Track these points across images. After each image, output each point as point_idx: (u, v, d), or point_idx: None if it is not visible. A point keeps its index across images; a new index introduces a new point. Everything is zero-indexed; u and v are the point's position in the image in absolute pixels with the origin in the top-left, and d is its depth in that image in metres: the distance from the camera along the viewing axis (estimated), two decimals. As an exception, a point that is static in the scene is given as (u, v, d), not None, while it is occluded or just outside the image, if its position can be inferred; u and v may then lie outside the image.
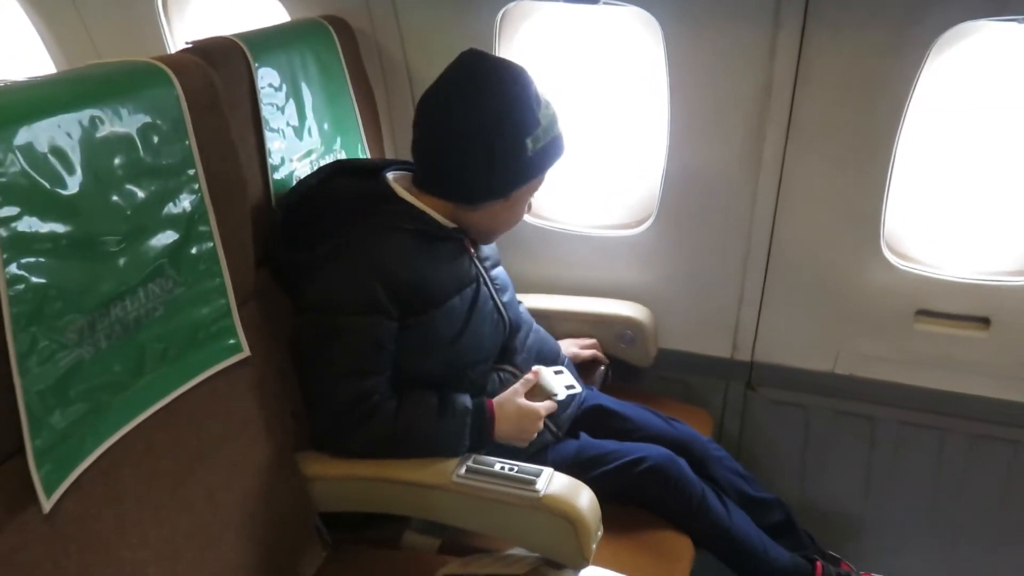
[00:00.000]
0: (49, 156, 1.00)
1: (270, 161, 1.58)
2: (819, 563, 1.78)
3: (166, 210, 1.19)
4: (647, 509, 1.69)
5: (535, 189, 1.63)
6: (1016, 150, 1.79)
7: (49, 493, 1.01)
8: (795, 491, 2.16)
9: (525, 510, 1.37)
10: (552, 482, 1.38)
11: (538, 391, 1.60)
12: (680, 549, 1.66)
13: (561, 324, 2.02)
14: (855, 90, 1.72)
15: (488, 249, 1.75)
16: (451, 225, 1.60)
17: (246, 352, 1.36)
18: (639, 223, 2.08)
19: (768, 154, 1.83)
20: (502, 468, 1.41)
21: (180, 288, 1.22)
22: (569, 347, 1.96)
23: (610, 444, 1.72)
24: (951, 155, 1.83)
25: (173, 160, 1.20)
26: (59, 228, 1.01)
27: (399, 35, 1.97)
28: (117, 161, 1.11)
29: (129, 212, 1.12)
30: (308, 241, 1.50)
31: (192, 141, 1.23)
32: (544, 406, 1.58)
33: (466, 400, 1.53)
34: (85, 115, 1.06)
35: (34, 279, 0.98)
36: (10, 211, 0.95)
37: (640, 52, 1.92)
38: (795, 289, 1.98)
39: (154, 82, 1.19)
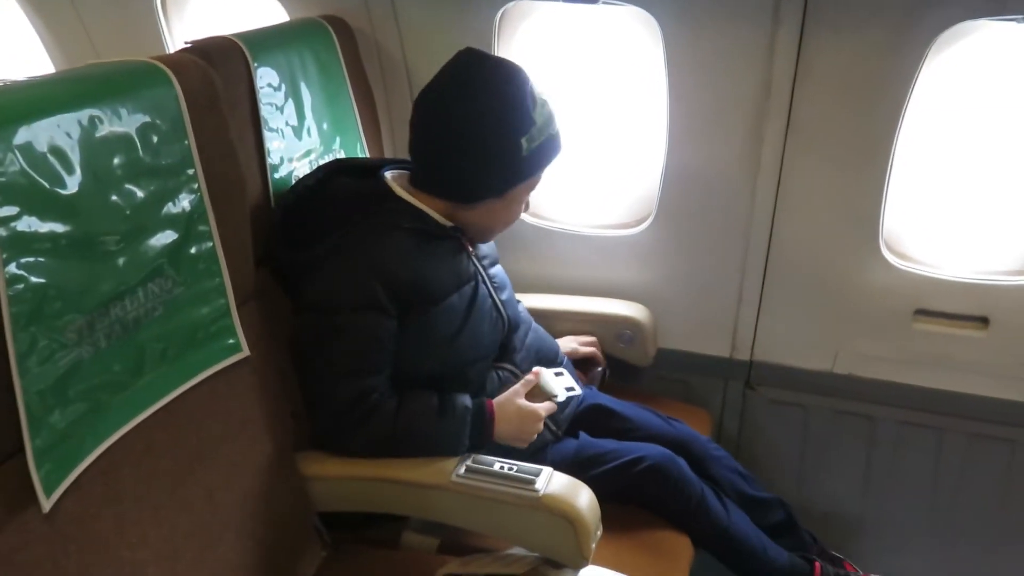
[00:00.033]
0: (48, 156, 1.00)
1: (269, 161, 1.58)
2: (817, 563, 1.78)
3: (165, 210, 1.19)
4: (646, 508, 1.69)
5: (532, 188, 1.63)
6: (1015, 150, 1.79)
7: (49, 493, 1.01)
8: (794, 490, 2.16)
9: (524, 510, 1.37)
10: (551, 482, 1.38)
11: (538, 392, 1.60)
12: (679, 549, 1.66)
13: (560, 324, 2.02)
14: (854, 89, 1.72)
15: (486, 248, 1.75)
16: (449, 224, 1.60)
17: (245, 352, 1.36)
18: (638, 223, 2.08)
19: (767, 154, 1.84)
20: (501, 468, 1.41)
21: (179, 288, 1.22)
22: (568, 343, 1.96)
23: (609, 443, 1.72)
24: (950, 155, 1.84)
25: (172, 160, 1.20)
26: (58, 228, 1.01)
27: (398, 35, 1.97)
28: (116, 161, 1.10)
29: (128, 212, 1.12)
30: (307, 241, 1.50)
31: (191, 141, 1.23)
32: (544, 407, 1.58)
33: (466, 400, 1.53)
34: (84, 115, 1.06)
35: (33, 279, 0.98)
36: (9, 211, 0.95)
37: (639, 52, 1.92)
38: (794, 288, 1.99)
39: (153, 82, 1.19)
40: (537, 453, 1.66)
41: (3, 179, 0.94)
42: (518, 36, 2.00)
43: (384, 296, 1.47)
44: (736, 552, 1.71)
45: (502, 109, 1.50)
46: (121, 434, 1.13)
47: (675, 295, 2.08)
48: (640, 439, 1.76)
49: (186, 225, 1.23)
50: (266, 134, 1.57)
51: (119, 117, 1.11)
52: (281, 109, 1.62)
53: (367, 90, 1.97)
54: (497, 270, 1.76)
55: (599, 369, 2.00)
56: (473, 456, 1.45)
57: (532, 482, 1.37)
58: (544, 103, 1.56)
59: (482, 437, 1.52)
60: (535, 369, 1.63)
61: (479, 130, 1.50)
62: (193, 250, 1.25)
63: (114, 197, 1.10)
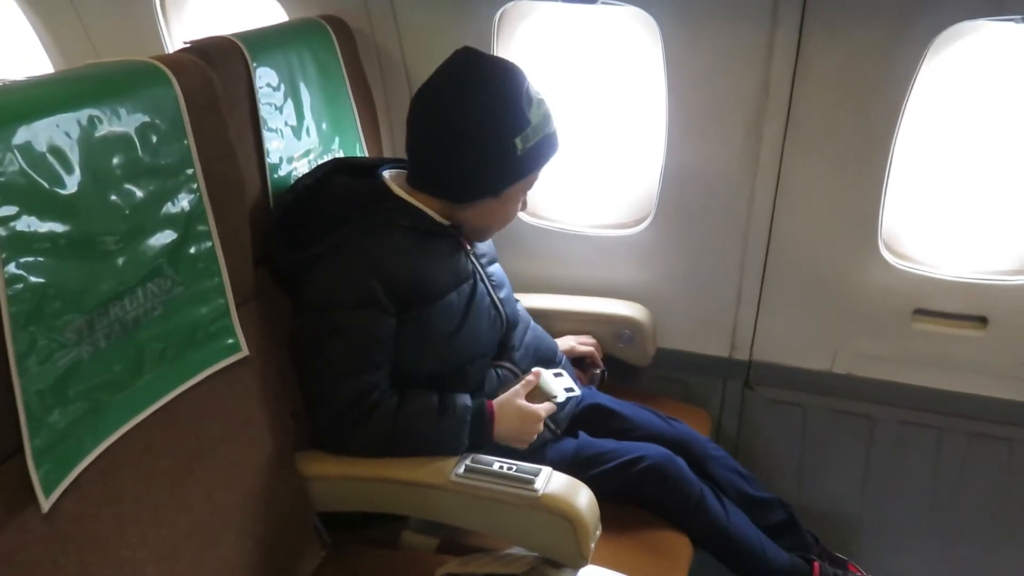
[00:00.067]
0: (48, 155, 1.00)
1: (268, 161, 1.58)
2: (816, 563, 1.78)
3: (165, 210, 1.19)
4: (645, 508, 1.69)
5: (528, 187, 1.63)
6: (1013, 150, 1.79)
7: (48, 493, 1.01)
8: (793, 490, 2.17)
9: (524, 509, 1.37)
10: (551, 481, 1.38)
11: (537, 393, 1.60)
12: (678, 548, 1.66)
13: (560, 323, 2.02)
14: (853, 89, 1.72)
15: (484, 246, 1.75)
16: (446, 222, 1.60)
17: (245, 352, 1.36)
18: (637, 223, 2.08)
19: (766, 154, 1.84)
20: (501, 467, 1.41)
21: (179, 288, 1.22)
22: (567, 342, 1.97)
23: (609, 443, 1.72)
24: (948, 155, 1.84)
25: (172, 160, 1.20)
26: (58, 227, 1.01)
27: (397, 35, 1.97)
28: (116, 161, 1.11)
29: (128, 212, 1.12)
30: (306, 240, 1.50)
31: (191, 141, 1.23)
32: (544, 408, 1.58)
33: (466, 400, 1.53)
34: (84, 115, 1.06)
35: (33, 279, 0.98)
36: (9, 210, 0.95)
37: (638, 52, 1.92)
38: (793, 288, 1.99)
39: (153, 82, 1.19)
40: (536, 452, 1.66)
41: (2, 179, 0.94)
42: (517, 36, 2.00)
43: (383, 295, 1.47)
44: (735, 552, 1.71)
45: (496, 109, 1.50)
46: (120, 434, 1.13)
47: (674, 295, 2.09)
48: (639, 439, 1.76)
49: (185, 225, 1.23)
50: (265, 134, 1.57)
51: (118, 117, 1.11)
52: (280, 109, 1.62)
53: (366, 90, 1.97)
54: (495, 268, 1.77)
55: (598, 371, 2.00)
56: (472, 456, 1.45)
57: (531, 482, 1.37)
58: (540, 102, 1.56)
59: (482, 437, 1.52)
60: (535, 370, 1.64)
61: (473, 130, 1.50)
62: (192, 250, 1.25)
63: (113, 197, 1.10)
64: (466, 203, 1.59)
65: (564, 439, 1.74)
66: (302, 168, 1.67)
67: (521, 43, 2.01)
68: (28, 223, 0.97)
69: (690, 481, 1.69)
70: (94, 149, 1.07)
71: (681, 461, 1.71)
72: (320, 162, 1.69)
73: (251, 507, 1.37)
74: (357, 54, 1.95)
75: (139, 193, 1.14)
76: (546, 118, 1.57)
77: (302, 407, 1.51)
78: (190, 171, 1.23)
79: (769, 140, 1.82)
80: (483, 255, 1.73)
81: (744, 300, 2.03)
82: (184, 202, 1.23)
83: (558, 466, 1.44)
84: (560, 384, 1.65)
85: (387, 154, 2.08)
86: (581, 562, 1.38)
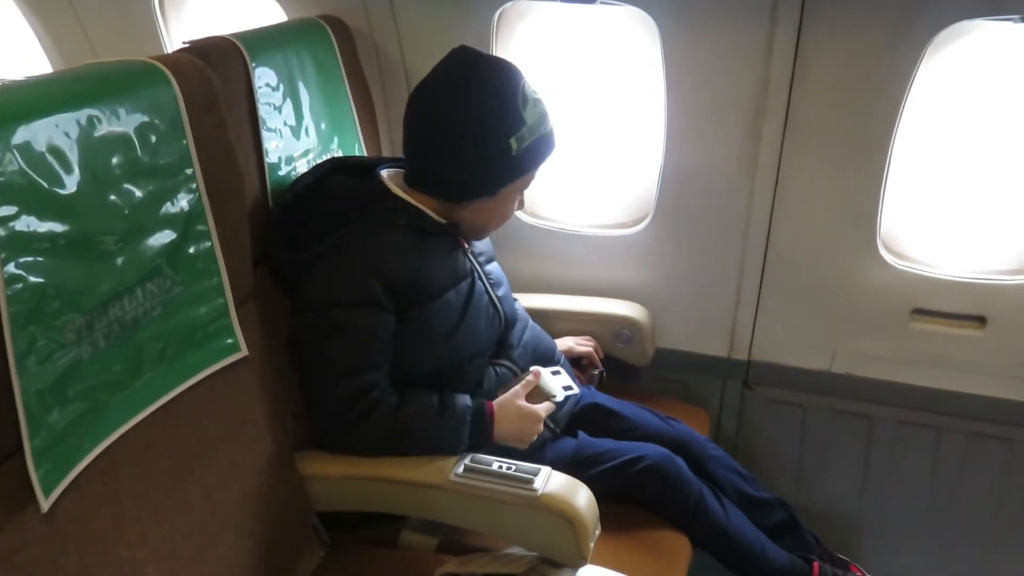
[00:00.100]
0: (47, 155, 1.00)
1: (267, 161, 1.58)
2: (816, 563, 1.78)
3: (164, 209, 1.19)
4: (645, 508, 1.69)
5: (525, 186, 1.63)
6: (1012, 149, 1.79)
7: (47, 492, 1.01)
8: (792, 490, 2.17)
9: (523, 509, 1.37)
10: (550, 481, 1.38)
11: (537, 392, 1.60)
12: (678, 548, 1.66)
13: (558, 323, 2.02)
14: (851, 89, 1.72)
15: (481, 244, 1.75)
16: (443, 221, 1.61)
17: (244, 352, 1.36)
18: (636, 222, 2.09)
19: (765, 153, 1.84)
20: (500, 467, 1.41)
21: (178, 288, 1.22)
22: (566, 342, 1.97)
23: (608, 443, 1.73)
24: (947, 154, 1.84)
25: (171, 160, 1.20)
26: (57, 227, 1.01)
27: (396, 35, 1.98)
28: (115, 160, 1.11)
29: (127, 211, 1.12)
30: (305, 240, 1.50)
31: (190, 141, 1.23)
32: (544, 408, 1.58)
33: (466, 400, 1.53)
34: (83, 114, 1.06)
35: (32, 278, 0.98)
36: (8, 210, 0.95)
37: (637, 51, 1.93)
38: (792, 288, 1.99)
39: (152, 82, 1.19)
40: (535, 452, 1.66)
41: (2, 179, 0.94)
42: (516, 36, 2.00)
43: (383, 294, 1.47)
44: (734, 552, 1.71)
45: (491, 109, 1.50)
46: (120, 434, 1.13)
47: (673, 295, 2.09)
48: (639, 439, 1.76)
49: (184, 225, 1.23)
50: (264, 134, 1.57)
51: (117, 117, 1.11)
52: (279, 109, 1.62)
53: (365, 90, 1.97)
54: (493, 267, 1.77)
55: (596, 371, 2.00)
56: (472, 455, 1.45)
57: (531, 481, 1.37)
58: (537, 102, 1.55)
59: (481, 438, 1.52)
60: (534, 369, 1.64)
61: (467, 130, 1.51)
62: (192, 250, 1.25)
63: (113, 197, 1.10)
64: (462, 202, 1.59)
65: (563, 439, 1.74)
66: (301, 168, 1.67)
67: (520, 43, 2.01)
68: (27, 223, 0.97)
69: (689, 481, 1.69)
70: (93, 149, 1.07)
71: (680, 461, 1.71)
72: (319, 162, 1.69)
73: (250, 507, 1.37)
74: (356, 54, 1.95)
75: (138, 193, 1.14)
76: (542, 117, 1.57)
77: (301, 407, 1.52)
78: (189, 171, 1.23)
79: (768, 140, 1.82)
80: (480, 254, 1.73)
81: (743, 300, 2.03)
82: (183, 202, 1.23)
83: (557, 466, 1.44)
84: (559, 383, 1.65)
85: (386, 154, 2.08)
86: (580, 562, 1.38)
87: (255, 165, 1.56)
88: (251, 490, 1.38)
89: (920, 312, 1.92)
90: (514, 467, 1.41)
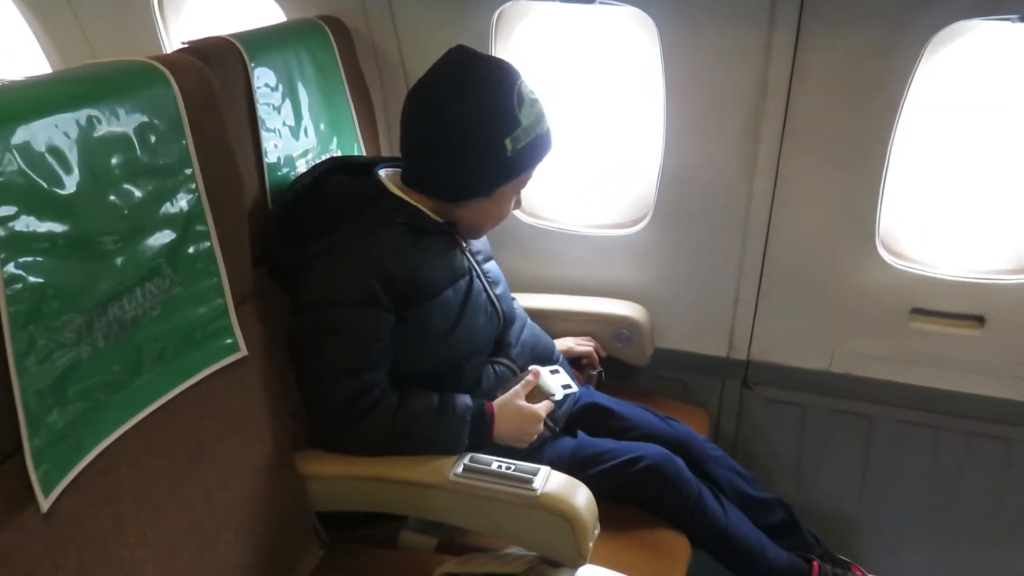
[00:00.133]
0: (46, 155, 1.00)
1: (266, 161, 1.58)
2: (815, 562, 1.78)
3: (163, 210, 1.19)
4: (644, 508, 1.69)
5: (521, 186, 1.64)
6: (1010, 149, 1.79)
7: (47, 492, 1.01)
8: (791, 490, 2.17)
9: (522, 509, 1.37)
10: (549, 481, 1.38)
11: (536, 392, 1.60)
12: (677, 548, 1.66)
13: (558, 323, 2.02)
14: (850, 89, 1.73)
15: (479, 243, 1.76)
16: (440, 220, 1.61)
17: (243, 352, 1.36)
18: (635, 222, 2.09)
19: (764, 153, 1.84)
20: (499, 467, 1.41)
21: (177, 288, 1.22)
22: (566, 342, 1.97)
23: (607, 443, 1.73)
24: (946, 154, 1.84)
25: (170, 160, 1.20)
26: (56, 227, 1.01)
27: (395, 35, 1.98)
28: (114, 161, 1.11)
29: (126, 212, 1.12)
30: (304, 239, 1.50)
31: (189, 141, 1.23)
32: (543, 407, 1.59)
33: (467, 400, 1.53)
34: (82, 115, 1.06)
35: (32, 278, 0.98)
36: (8, 210, 0.95)
37: (636, 51, 1.93)
38: (791, 288, 1.99)
39: (151, 82, 1.19)
40: (535, 452, 1.66)
41: (1, 179, 0.94)
42: (515, 36, 2.00)
43: (382, 292, 1.47)
44: (734, 552, 1.71)
45: (485, 109, 1.50)
46: (119, 434, 1.13)
47: (672, 295, 2.09)
48: (638, 438, 1.77)
49: (184, 225, 1.23)
50: (263, 134, 1.57)
51: (117, 117, 1.11)
52: (278, 109, 1.62)
53: (364, 90, 1.98)
54: (491, 265, 1.77)
55: (595, 371, 2.00)
56: (471, 455, 1.45)
57: (530, 481, 1.38)
58: (533, 102, 1.56)
59: (481, 438, 1.52)
60: (533, 369, 1.64)
61: (462, 130, 1.51)
62: (191, 250, 1.25)
63: (112, 197, 1.10)
64: (458, 202, 1.59)
65: (563, 438, 1.74)
66: (300, 168, 1.68)
67: (519, 43, 2.01)
68: (27, 223, 0.97)
69: (689, 481, 1.69)
70: (93, 149, 1.07)
71: (680, 461, 1.71)
72: (318, 162, 1.69)
73: (250, 507, 1.37)
74: (355, 54, 1.95)
75: (138, 193, 1.14)
76: (539, 118, 1.57)
77: (301, 406, 1.52)
78: (188, 171, 1.24)
79: (767, 140, 1.82)
80: (478, 252, 1.74)
81: (742, 300, 2.04)
82: (183, 202, 1.23)
83: (557, 465, 1.44)
84: (558, 382, 1.66)
85: (385, 154, 2.08)
86: (579, 561, 1.38)
87: (254, 165, 1.56)
88: (250, 490, 1.38)
89: (919, 312, 1.92)
90: (513, 467, 1.41)
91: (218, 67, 1.42)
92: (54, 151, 1.01)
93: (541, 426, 1.59)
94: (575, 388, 1.71)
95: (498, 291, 1.73)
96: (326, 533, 1.57)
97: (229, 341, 1.34)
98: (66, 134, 1.03)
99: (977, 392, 1.93)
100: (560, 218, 2.17)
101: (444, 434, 1.48)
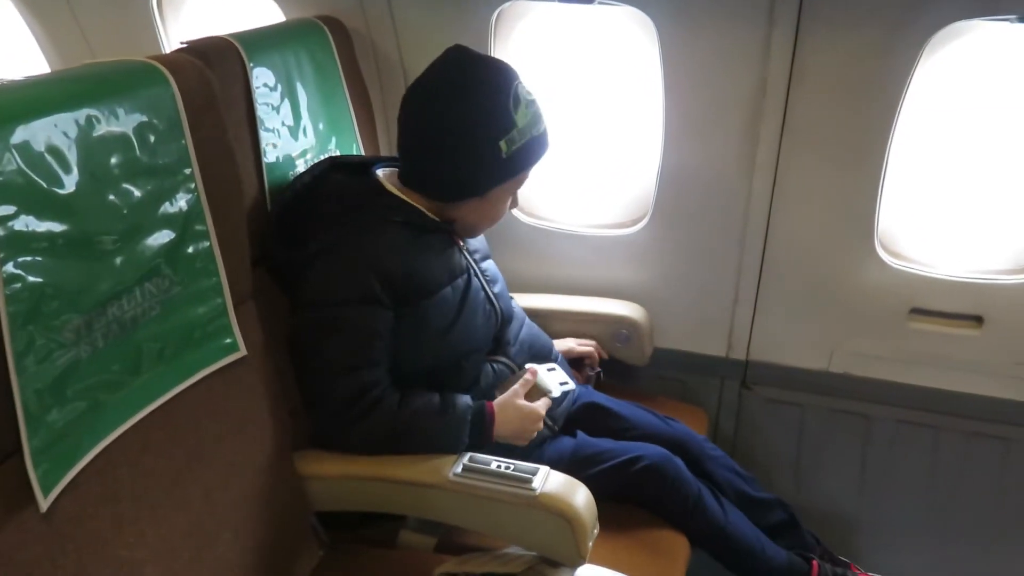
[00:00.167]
0: (46, 155, 1.00)
1: (265, 160, 1.58)
2: (815, 561, 1.78)
3: (162, 209, 1.19)
4: (643, 508, 1.69)
5: (517, 187, 1.64)
6: (1009, 149, 1.79)
7: (46, 492, 1.01)
8: (790, 489, 2.17)
9: (521, 508, 1.37)
10: (548, 480, 1.39)
11: (534, 390, 1.61)
12: (676, 548, 1.66)
13: (557, 323, 2.02)
14: (849, 89, 1.73)
15: (476, 242, 1.76)
16: (437, 219, 1.61)
17: (243, 352, 1.36)
18: (634, 222, 2.09)
19: (762, 153, 1.84)
20: (498, 467, 1.41)
21: (177, 287, 1.22)
22: (567, 343, 1.97)
23: (606, 443, 1.73)
24: (944, 154, 1.84)
25: (169, 159, 1.20)
26: (56, 227, 1.01)
27: (394, 34, 1.98)
28: (114, 160, 1.11)
29: (126, 211, 1.12)
30: (303, 238, 1.51)
31: (188, 140, 1.23)
32: (542, 405, 1.59)
33: (467, 399, 1.54)
34: (82, 114, 1.06)
35: (31, 278, 0.98)
36: (7, 210, 0.95)
37: (635, 51, 1.93)
38: (790, 288, 1.99)
39: (150, 81, 1.19)
40: (534, 451, 1.66)
41: (1, 178, 0.94)
42: (514, 36, 2.00)
43: (380, 290, 1.47)
44: (734, 551, 1.72)
45: (481, 110, 1.51)
46: (119, 433, 1.13)
47: (671, 295, 2.09)
48: (637, 438, 1.77)
49: (183, 225, 1.23)
50: (262, 134, 1.57)
51: (116, 117, 1.11)
52: (277, 109, 1.62)
53: (363, 90, 1.97)
54: (489, 264, 1.77)
55: (593, 372, 2.00)
56: (470, 455, 1.45)
57: (529, 481, 1.38)
58: (530, 103, 1.56)
59: (481, 438, 1.52)
60: (530, 367, 1.64)
61: (457, 131, 1.51)
62: (190, 249, 1.25)
63: (111, 197, 1.10)
64: (453, 202, 1.60)
65: (562, 438, 1.74)
66: (299, 168, 1.67)
67: (518, 43, 2.01)
68: (26, 223, 0.97)
69: (688, 481, 1.70)
70: (92, 149, 1.07)
71: (679, 461, 1.71)
72: (317, 161, 1.69)
73: (249, 507, 1.37)
74: (354, 54, 1.95)
75: (137, 193, 1.14)
76: (535, 119, 1.57)
77: (300, 406, 1.52)
78: (188, 171, 1.24)
79: (766, 140, 1.82)
80: (476, 251, 1.74)
81: (741, 300, 2.04)
82: (182, 202, 1.23)
83: (556, 465, 1.44)
84: (555, 379, 1.66)
85: (384, 154, 2.08)
86: (579, 561, 1.38)
87: (253, 165, 1.56)
88: (250, 490, 1.38)
89: (918, 312, 1.92)
90: (512, 467, 1.41)
91: (217, 67, 1.42)
92: (53, 151, 1.01)
93: (541, 424, 1.59)
94: (572, 385, 1.71)
95: (496, 289, 1.73)
96: (325, 533, 1.57)
97: (228, 341, 1.34)
98: (65, 134, 1.03)
99: (976, 392, 1.93)
100: (559, 218, 2.17)
101: (445, 433, 1.48)
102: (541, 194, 2.16)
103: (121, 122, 1.12)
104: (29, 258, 0.98)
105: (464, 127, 1.51)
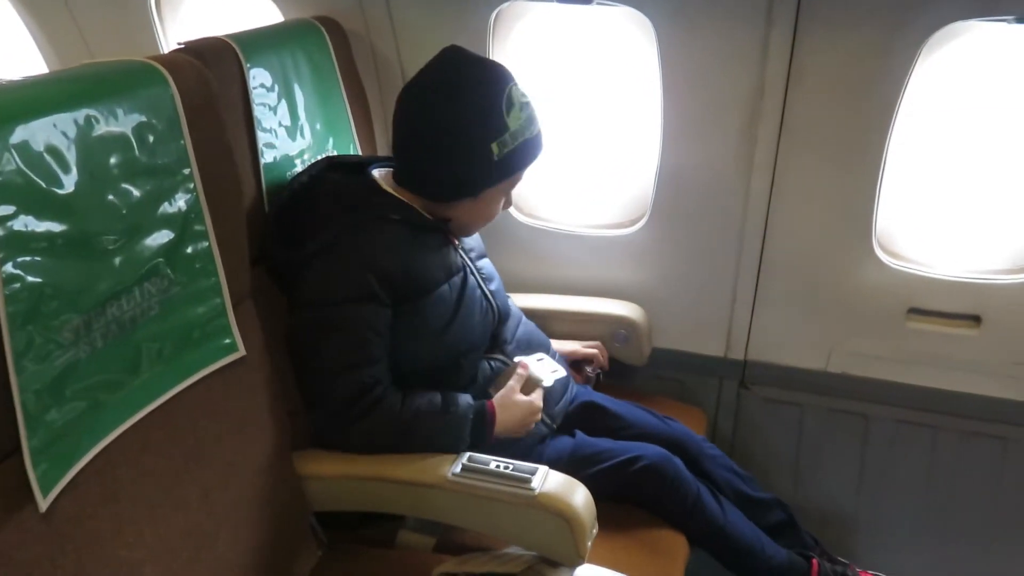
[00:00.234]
0: (45, 155, 1.00)
1: (263, 161, 1.58)
2: (815, 560, 1.78)
3: (162, 209, 1.19)
4: (643, 507, 1.69)
5: (510, 188, 1.65)
6: (1006, 149, 1.80)
7: (46, 492, 1.01)
8: (789, 489, 2.17)
9: (520, 508, 1.37)
10: (547, 480, 1.39)
11: (527, 382, 1.63)
12: (675, 547, 1.66)
13: (555, 324, 2.03)
14: (847, 90, 1.73)
15: (471, 241, 1.76)
16: (431, 218, 1.61)
17: (241, 352, 1.36)
18: (633, 222, 2.09)
19: (761, 154, 1.84)
20: (497, 466, 1.41)
21: (176, 287, 1.22)
22: (571, 345, 1.98)
23: (605, 443, 1.73)
24: (942, 154, 1.84)
25: (168, 159, 1.20)
26: (55, 227, 1.01)
27: (393, 35, 1.98)
28: (113, 160, 1.10)
29: (125, 211, 1.12)
30: (301, 238, 1.51)
31: (187, 140, 1.23)
32: (539, 396, 1.62)
33: (468, 398, 1.55)
34: (81, 114, 1.06)
35: (30, 278, 0.98)
36: (6, 210, 0.95)
37: (633, 52, 1.93)
38: (788, 288, 1.99)
39: (149, 81, 1.19)
40: (534, 448, 1.67)
41: (0, 178, 0.94)
42: (513, 36, 2.00)
43: (378, 288, 1.48)
44: (733, 550, 1.72)
45: (474, 113, 1.51)
46: (118, 433, 1.13)
47: (670, 295, 2.09)
48: (635, 438, 1.77)
49: (182, 224, 1.23)
50: (259, 134, 1.57)
51: (115, 117, 1.11)
52: (274, 110, 1.62)
53: (360, 90, 1.97)
54: (484, 263, 1.78)
55: (593, 372, 2.00)
56: (469, 455, 1.45)
57: (528, 481, 1.38)
58: (524, 106, 1.56)
59: (482, 436, 1.52)
60: (520, 361, 1.65)
61: (448, 132, 1.52)
62: (189, 249, 1.25)
63: (111, 197, 1.10)
64: (446, 202, 1.60)
65: (561, 438, 1.75)
66: (297, 168, 1.67)
67: (517, 43, 2.01)
68: (25, 223, 0.97)
69: (687, 480, 1.70)
70: (91, 149, 1.07)
71: (678, 461, 1.71)
72: (314, 161, 1.69)
73: (248, 507, 1.37)
74: (351, 54, 1.95)
75: (136, 193, 1.14)
76: (528, 121, 1.57)
77: (299, 406, 1.52)
78: (187, 171, 1.23)
79: (764, 140, 1.82)
80: (471, 249, 1.75)
81: (739, 300, 2.04)
82: (181, 202, 1.23)
83: (555, 465, 1.44)
84: (546, 369, 1.68)
85: (383, 154, 2.08)
86: (578, 561, 1.38)
87: (250, 165, 1.56)
88: (249, 490, 1.38)
89: (916, 311, 1.92)
90: (512, 466, 1.41)
91: (214, 67, 1.42)
92: (52, 151, 1.01)
93: (539, 415, 1.62)
94: (563, 372, 1.73)
95: (492, 287, 1.74)
96: (324, 533, 1.57)
97: (227, 341, 1.34)
98: (64, 134, 1.03)
99: (974, 391, 1.94)
100: (558, 218, 2.17)
101: (446, 433, 1.49)
102: (540, 194, 2.16)
103: (120, 122, 1.12)
104: (28, 258, 0.97)
105: (456, 128, 1.51)
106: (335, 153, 1.82)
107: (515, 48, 2.01)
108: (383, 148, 2.09)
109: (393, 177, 1.64)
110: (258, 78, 1.58)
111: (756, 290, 2.02)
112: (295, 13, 1.99)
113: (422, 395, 1.51)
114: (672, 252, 2.05)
